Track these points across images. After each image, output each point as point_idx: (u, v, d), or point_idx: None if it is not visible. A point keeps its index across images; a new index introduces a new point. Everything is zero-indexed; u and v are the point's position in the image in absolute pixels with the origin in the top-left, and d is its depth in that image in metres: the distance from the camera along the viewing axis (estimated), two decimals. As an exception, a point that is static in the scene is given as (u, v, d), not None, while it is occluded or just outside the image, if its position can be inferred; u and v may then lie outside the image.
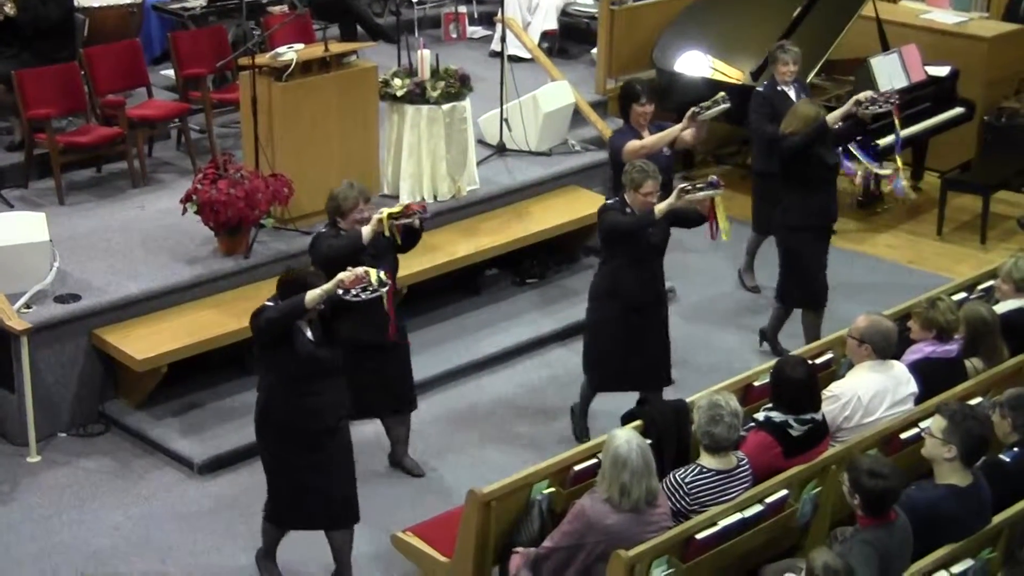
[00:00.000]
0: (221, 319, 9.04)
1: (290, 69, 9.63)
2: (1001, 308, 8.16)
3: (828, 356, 7.94)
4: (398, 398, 8.41)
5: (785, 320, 9.83)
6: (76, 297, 8.92)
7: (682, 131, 9.19)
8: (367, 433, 8.80)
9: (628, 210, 8.24)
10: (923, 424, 6.96)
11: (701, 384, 8.77)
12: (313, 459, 7.15)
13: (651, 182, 8.17)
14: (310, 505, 7.25)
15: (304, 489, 7.20)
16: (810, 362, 7.37)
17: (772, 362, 7.46)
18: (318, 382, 7.07)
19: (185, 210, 9.36)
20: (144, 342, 8.77)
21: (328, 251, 7.69)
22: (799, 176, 9.25)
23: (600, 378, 8.70)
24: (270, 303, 7.04)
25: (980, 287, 8.78)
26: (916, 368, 7.54)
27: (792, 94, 10.17)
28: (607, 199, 8.75)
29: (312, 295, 6.84)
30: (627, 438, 6.34)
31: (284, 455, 7.17)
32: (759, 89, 10.47)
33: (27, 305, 8.73)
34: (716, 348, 10.04)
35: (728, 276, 10.97)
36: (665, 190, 8.44)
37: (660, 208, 8.12)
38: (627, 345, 8.47)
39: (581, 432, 8.86)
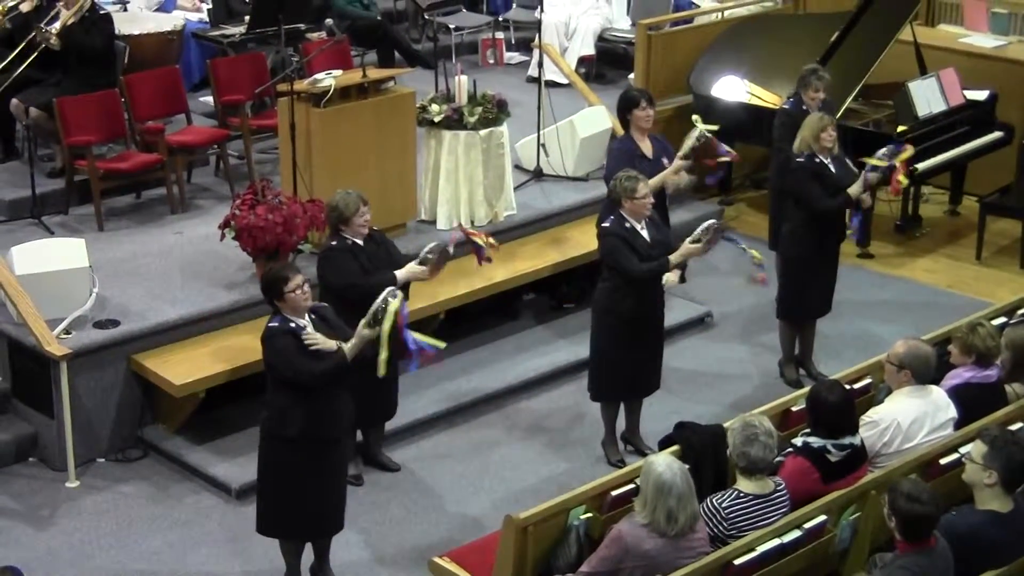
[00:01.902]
0: (259, 344, 9.01)
1: (328, 95, 9.66)
2: (1042, 333, 8.10)
3: (866, 381, 7.88)
4: (393, 405, 8.66)
5: (795, 338, 9.81)
6: (115, 323, 8.96)
7: (675, 173, 9.24)
8: (399, 459, 8.84)
9: (627, 225, 8.35)
10: (963, 449, 6.91)
11: (738, 411, 8.75)
12: (322, 468, 7.31)
13: (642, 184, 8.35)
14: (313, 514, 7.41)
15: (310, 499, 7.34)
16: (847, 386, 7.33)
17: (809, 388, 7.43)
18: (331, 390, 7.24)
19: (223, 236, 9.40)
20: (182, 367, 8.81)
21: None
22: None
23: (603, 389, 8.81)
24: (274, 323, 7.28)
25: (1020, 311, 8.71)
26: (955, 393, 7.48)
27: None
28: (600, 215, 8.81)
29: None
30: (667, 463, 6.31)
31: (295, 465, 7.26)
32: (784, 106, 10.44)
33: (66, 331, 8.77)
34: (752, 373, 10.00)
35: (765, 301, 10.90)
36: (660, 204, 8.74)
37: (674, 258, 8.31)
38: (625, 357, 8.59)
39: (615, 458, 8.86)
